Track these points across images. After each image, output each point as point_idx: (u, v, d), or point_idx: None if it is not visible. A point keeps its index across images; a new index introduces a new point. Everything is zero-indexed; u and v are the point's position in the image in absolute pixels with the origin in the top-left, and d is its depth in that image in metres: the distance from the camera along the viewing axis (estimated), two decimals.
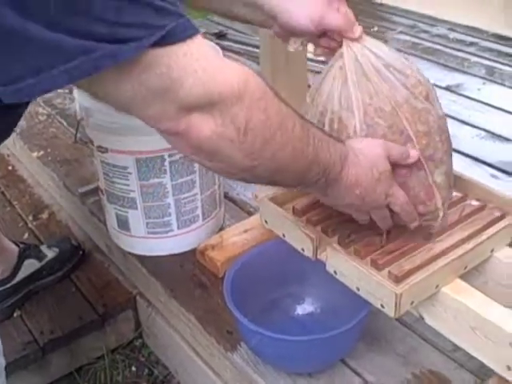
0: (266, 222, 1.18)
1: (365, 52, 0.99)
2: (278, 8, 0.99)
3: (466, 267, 1.03)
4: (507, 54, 2.63)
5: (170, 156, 1.32)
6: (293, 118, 0.82)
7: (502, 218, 1.08)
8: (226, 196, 1.69)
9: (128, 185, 1.36)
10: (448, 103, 2.10)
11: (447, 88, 2.36)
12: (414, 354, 1.21)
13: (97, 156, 1.39)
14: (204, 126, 0.73)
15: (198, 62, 0.70)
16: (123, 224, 1.45)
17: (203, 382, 1.40)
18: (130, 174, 1.34)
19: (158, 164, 1.33)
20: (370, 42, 1.01)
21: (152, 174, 1.34)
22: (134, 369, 1.56)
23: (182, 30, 0.69)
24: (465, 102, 2.23)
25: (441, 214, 1.02)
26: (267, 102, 0.77)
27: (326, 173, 0.87)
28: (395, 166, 0.94)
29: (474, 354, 1.01)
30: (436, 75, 2.45)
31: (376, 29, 2.98)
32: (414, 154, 0.95)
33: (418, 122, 0.97)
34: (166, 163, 1.33)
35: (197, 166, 1.38)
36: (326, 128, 0.99)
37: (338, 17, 0.98)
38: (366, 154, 0.91)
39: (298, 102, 1.05)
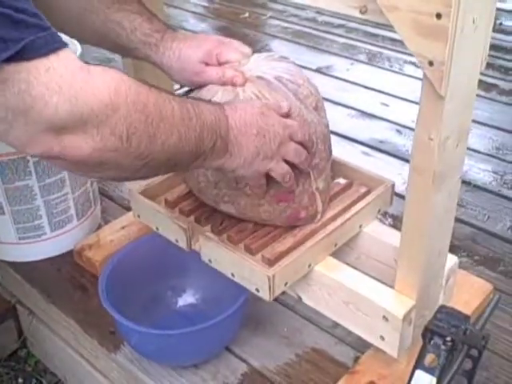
0: (138, 216, 1.16)
1: (255, 73, 1.00)
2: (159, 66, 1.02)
3: (336, 244, 1.06)
4: (372, 34, 2.72)
5: (33, 156, 1.26)
6: (169, 102, 0.78)
7: (367, 193, 1.12)
8: (103, 193, 1.65)
9: None
10: (320, 85, 2.13)
11: (318, 70, 2.42)
12: (297, 334, 1.23)
13: None
14: (82, 144, 0.69)
15: (63, 78, 0.65)
16: None
17: None
18: None
19: (21, 166, 1.27)
20: (257, 61, 1.02)
21: (16, 177, 1.28)
22: (20, 380, 1.51)
23: (44, 43, 0.64)
24: (335, 83, 2.29)
25: (319, 216, 1.04)
26: (143, 101, 0.74)
27: (217, 131, 0.84)
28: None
29: (351, 329, 1.05)
30: (306, 58, 2.50)
31: (247, 14, 3.00)
32: (283, 105, 0.95)
33: (306, 134, 0.98)
34: (30, 164, 1.28)
35: None
36: None
37: (217, 71, 0.99)
38: (242, 105, 0.91)
39: None
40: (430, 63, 0.77)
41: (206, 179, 1.02)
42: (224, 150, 0.86)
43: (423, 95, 0.81)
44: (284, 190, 0.99)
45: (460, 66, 0.78)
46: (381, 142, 1.93)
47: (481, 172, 1.76)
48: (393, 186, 1.14)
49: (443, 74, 0.76)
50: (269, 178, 0.96)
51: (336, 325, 1.19)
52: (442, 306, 0.84)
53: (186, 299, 1.27)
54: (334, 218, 1.06)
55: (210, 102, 0.90)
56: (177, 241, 1.09)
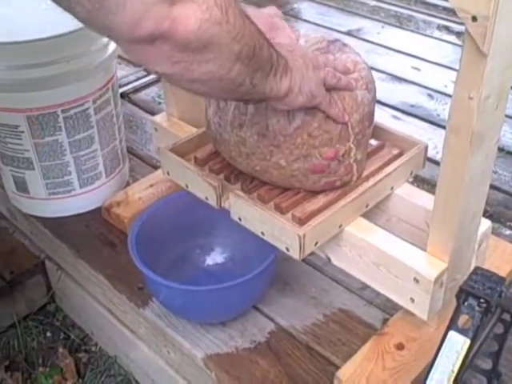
0: (168, 173, 1.16)
1: None
2: None
3: (367, 205, 1.05)
4: None
5: (63, 112, 1.26)
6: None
7: (399, 155, 1.10)
8: (131, 151, 1.65)
9: (21, 144, 1.30)
10: None
11: (348, 33, 2.37)
12: (325, 295, 1.23)
13: None
14: (190, 15, 0.67)
15: None
16: (21, 186, 1.39)
17: (120, 340, 1.38)
18: (22, 132, 1.28)
19: (51, 121, 1.27)
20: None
21: (46, 132, 1.28)
22: (49, 334, 1.53)
23: None
24: (366, 46, 2.25)
25: (354, 179, 1.03)
26: None
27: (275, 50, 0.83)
28: None
29: (380, 290, 1.04)
30: (336, 20, 2.46)
31: None
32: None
33: (355, 113, 0.97)
34: (60, 119, 1.27)
35: (94, 120, 1.33)
36: (251, 109, 0.97)
37: None
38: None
39: None
40: (474, 18, 0.74)
41: (237, 150, 1.01)
42: (286, 66, 0.85)
43: (464, 52, 0.79)
44: (319, 163, 0.97)
45: (505, 22, 0.75)
46: (412, 106, 1.90)
47: None
48: (426, 148, 1.12)
49: (487, 29, 0.74)
50: (302, 153, 0.96)
51: (364, 287, 1.19)
52: (478, 268, 0.83)
53: (214, 258, 1.27)
54: (366, 179, 1.05)
55: None
56: (206, 198, 1.09)
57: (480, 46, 0.76)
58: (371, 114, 1.02)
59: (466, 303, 0.78)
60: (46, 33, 1.19)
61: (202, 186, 1.08)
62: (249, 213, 1.02)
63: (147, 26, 0.65)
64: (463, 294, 0.79)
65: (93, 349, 1.50)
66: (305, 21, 2.50)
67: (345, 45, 1.05)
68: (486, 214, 1.30)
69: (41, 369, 1.44)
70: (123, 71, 2.06)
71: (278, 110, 0.93)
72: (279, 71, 0.84)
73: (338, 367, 1.05)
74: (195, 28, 0.68)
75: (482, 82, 0.79)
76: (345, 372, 1.01)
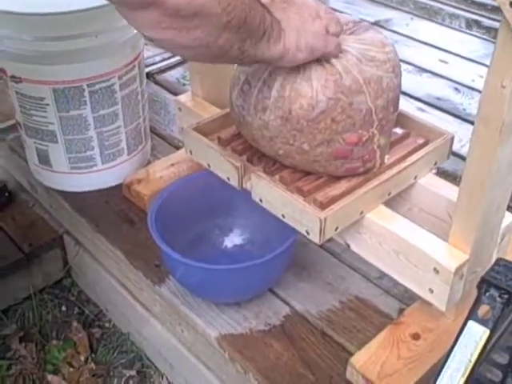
0: (190, 152, 1.16)
1: None
2: None
3: (389, 193, 1.04)
4: None
5: (89, 86, 1.26)
6: None
7: (424, 145, 1.09)
8: (153, 131, 1.65)
9: (46, 117, 1.30)
10: None
11: (376, 23, 2.35)
12: (341, 282, 1.22)
13: (11, 87, 1.31)
14: None
15: None
16: (44, 159, 1.39)
17: (134, 317, 1.39)
18: (47, 105, 1.28)
19: (77, 95, 1.27)
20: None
21: (71, 106, 1.28)
22: (63, 308, 1.55)
23: None
24: (394, 37, 2.23)
25: (377, 165, 1.02)
26: None
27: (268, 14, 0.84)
28: None
29: (398, 279, 1.03)
30: (365, 10, 2.44)
31: None
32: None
33: (379, 98, 0.95)
34: (86, 94, 1.27)
35: (119, 96, 1.33)
36: (274, 93, 0.95)
37: None
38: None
39: None
40: None
41: (260, 133, 1.00)
42: (279, 29, 0.86)
43: (499, 39, 0.78)
44: (342, 148, 0.97)
45: None
46: (438, 98, 1.88)
47: None
48: (452, 138, 1.11)
49: None
50: (325, 138, 0.95)
51: (382, 275, 1.18)
52: (500, 259, 0.82)
53: (233, 239, 1.27)
54: (389, 167, 1.04)
55: None
56: (228, 179, 1.08)
57: None
58: (396, 100, 1.01)
59: (487, 294, 0.77)
60: (74, 6, 1.19)
61: (224, 166, 1.08)
62: (270, 194, 1.01)
63: None
64: (485, 284, 0.78)
65: (106, 325, 1.51)
66: (335, 10, 2.48)
67: (371, 26, 1.04)
68: (510, 209, 1.28)
69: (54, 342, 1.45)
70: (149, 52, 2.05)
71: (301, 94, 0.93)
72: (273, 36, 0.85)
73: (351, 354, 1.04)
74: None
75: None
76: (359, 359, 1.01)
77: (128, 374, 1.39)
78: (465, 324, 0.77)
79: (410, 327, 1.05)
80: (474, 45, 2.20)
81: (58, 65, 1.23)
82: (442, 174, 1.52)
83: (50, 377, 1.38)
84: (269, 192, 1.01)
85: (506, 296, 0.76)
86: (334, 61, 0.94)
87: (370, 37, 1.00)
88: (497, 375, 0.93)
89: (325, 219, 0.94)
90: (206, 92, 1.33)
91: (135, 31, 1.30)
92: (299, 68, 0.93)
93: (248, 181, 1.05)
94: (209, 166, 1.12)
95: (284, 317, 1.14)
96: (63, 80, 1.25)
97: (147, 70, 1.92)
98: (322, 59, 0.94)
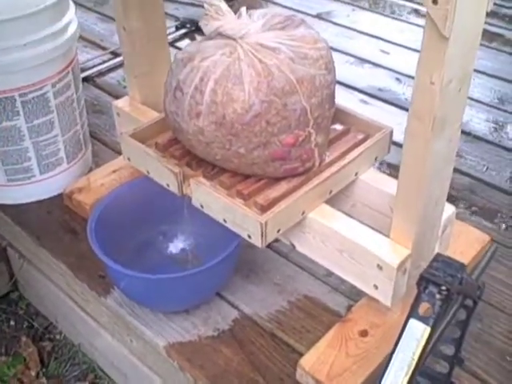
0: (128, 159, 1.13)
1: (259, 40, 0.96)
2: None
3: (331, 191, 1.04)
4: None
5: (21, 96, 1.23)
6: None
7: (364, 140, 1.09)
8: (95, 136, 1.62)
9: None
10: (319, 31, 2.09)
11: (318, 16, 2.35)
12: (290, 282, 1.21)
13: None
14: None
15: None
16: None
17: (84, 328, 1.36)
18: None
19: (9, 105, 1.23)
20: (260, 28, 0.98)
21: (4, 117, 1.25)
22: (12, 323, 1.51)
23: None
24: (335, 29, 2.23)
25: (317, 164, 1.01)
26: None
27: None
28: None
29: (344, 277, 1.03)
30: (306, 3, 2.43)
31: None
32: None
33: (313, 97, 0.95)
34: (18, 104, 1.24)
35: (54, 105, 1.29)
36: (206, 98, 0.94)
37: None
38: None
39: None
40: (434, 1, 0.73)
41: (196, 139, 0.99)
42: None
43: (426, 36, 0.77)
44: (279, 149, 0.96)
45: (466, 5, 0.73)
46: (380, 89, 1.88)
47: (481, 122, 1.72)
48: (391, 132, 1.12)
49: (448, 12, 0.72)
50: (261, 141, 0.94)
51: (330, 273, 1.18)
52: (438, 255, 0.82)
53: (178, 245, 1.25)
54: (329, 165, 1.04)
55: None
56: (168, 185, 1.07)
57: (441, 29, 0.74)
58: (332, 96, 1.00)
59: (426, 291, 0.77)
60: (1, 16, 1.15)
61: (163, 173, 1.06)
62: (211, 200, 1.00)
63: None
64: (424, 281, 0.78)
65: (57, 337, 1.48)
66: (275, 3, 2.47)
67: (303, 21, 1.03)
68: (452, 199, 1.30)
69: (3, 358, 1.42)
70: (88, 54, 2.02)
71: (233, 99, 0.91)
72: None
73: (302, 354, 1.04)
74: None
75: (444, 66, 0.77)
76: (308, 359, 1.01)
77: None
78: (406, 322, 0.77)
79: (357, 324, 1.05)
80: (414, 34, 2.20)
81: None
82: (388, 166, 1.52)
83: None
84: (209, 197, 1.00)
85: (445, 292, 0.76)
86: (266, 61, 0.93)
87: (302, 32, 0.99)
88: (445, 366, 0.94)
89: (265, 223, 0.93)
90: (143, 96, 1.30)
91: (66, 38, 1.27)
92: (230, 71, 0.92)
93: (188, 187, 1.04)
94: (148, 172, 1.10)
95: (233, 321, 1.13)
96: None
97: (86, 73, 1.89)
98: (254, 59, 0.92)
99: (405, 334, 0.76)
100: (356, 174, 1.08)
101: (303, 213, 1.00)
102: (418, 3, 2.41)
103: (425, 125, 0.83)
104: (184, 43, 2.10)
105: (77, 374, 1.39)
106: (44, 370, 1.41)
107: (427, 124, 0.83)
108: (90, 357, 1.40)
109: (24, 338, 1.46)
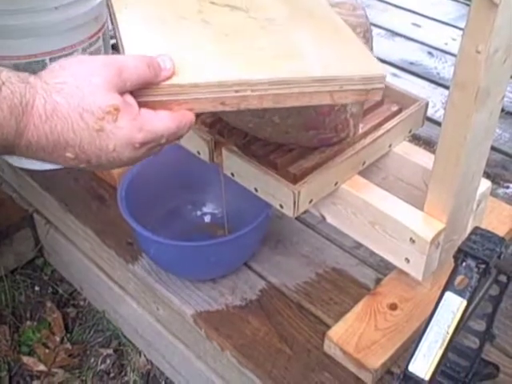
0: None
1: None
2: None
3: (364, 163, 1.02)
4: None
5: (51, 60, 1.21)
6: None
7: (398, 112, 1.07)
8: None
9: None
10: None
11: None
12: (318, 254, 1.20)
13: None
14: None
15: None
16: None
17: (109, 295, 1.37)
18: None
19: (39, 69, 1.17)
20: None
21: None
22: (37, 288, 1.52)
23: None
24: (366, 1, 2.19)
25: (351, 135, 1.00)
26: None
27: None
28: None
29: (375, 250, 1.01)
30: None
31: None
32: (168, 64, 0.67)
33: None
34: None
35: None
36: None
37: None
38: (72, 93, 0.59)
39: None
40: None
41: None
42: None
43: (474, 2, 0.75)
44: (314, 118, 0.94)
45: None
46: (411, 63, 1.85)
47: None
48: (426, 104, 1.09)
49: None
50: (296, 110, 0.91)
51: (358, 246, 1.17)
52: (477, 228, 0.80)
53: (207, 214, 1.25)
54: (363, 136, 1.02)
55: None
56: (199, 153, 1.05)
57: None
58: None
59: (464, 264, 0.76)
60: None
61: (193, 140, 1.04)
62: (242, 168, 0.98)
63: None
64: (461, 254, 0.76)
65: (81, 304, 1.49)
66: None
67: None
68: (484, 175, 1.27)
69: (28, 323, 1.43)
70: None
71: None
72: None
73: (329, 326, 1.03)
74: None
75: (492, 35, 0.75)
76: (336, 331, 1.00)
77: (105, 353, 1.38)
78: (442, 295, 0.76)
79: (386, 297, 1.04)
80: (446, 7, 2.17)
81: (18, 39, 1.19)
82: (417, 140, 1.50)
83: (25, 358, 1.36)
84: (241, 166, 0.98)
85: (482, 266, 0.75)
86: None
87: None
88: (474, 342, 0.93)
89: (298, 193, 0.92)
90: None
91: (97, 2, 1.26)
92: None
93: (219, 155, 1.02)
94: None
95: (260, 291, 1.13)
96: (25, 55, 1.21)
97: (114, 41, 1.87)
98: None
99: (440, 306, 0.75)
100: (390, 146, 1.06)
101: (336, 183, 0.98)
102: None
103: (468, 95, 0.81)
104: None
105: (101, 340, 1.41)
106: (68, 335, 1.42)
107: (470, 94, 0.80)
108: (114, 324, 1.40)
109: (49, 304, 1.47)
